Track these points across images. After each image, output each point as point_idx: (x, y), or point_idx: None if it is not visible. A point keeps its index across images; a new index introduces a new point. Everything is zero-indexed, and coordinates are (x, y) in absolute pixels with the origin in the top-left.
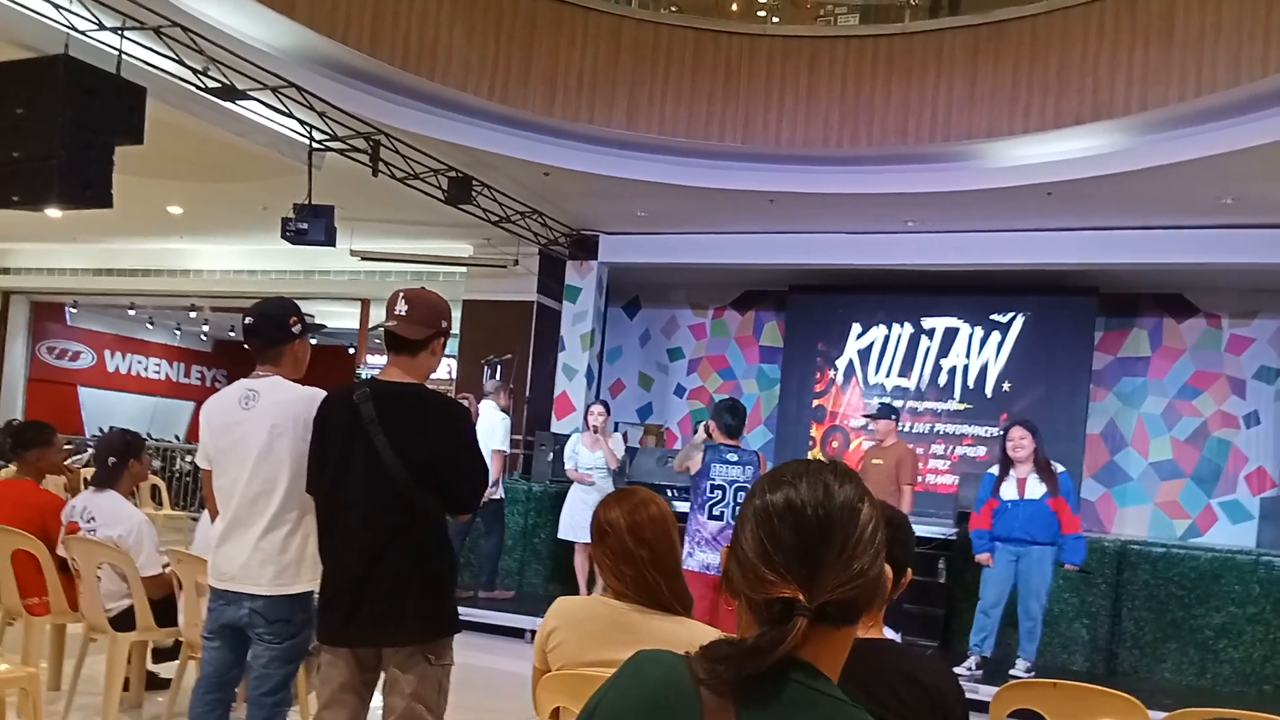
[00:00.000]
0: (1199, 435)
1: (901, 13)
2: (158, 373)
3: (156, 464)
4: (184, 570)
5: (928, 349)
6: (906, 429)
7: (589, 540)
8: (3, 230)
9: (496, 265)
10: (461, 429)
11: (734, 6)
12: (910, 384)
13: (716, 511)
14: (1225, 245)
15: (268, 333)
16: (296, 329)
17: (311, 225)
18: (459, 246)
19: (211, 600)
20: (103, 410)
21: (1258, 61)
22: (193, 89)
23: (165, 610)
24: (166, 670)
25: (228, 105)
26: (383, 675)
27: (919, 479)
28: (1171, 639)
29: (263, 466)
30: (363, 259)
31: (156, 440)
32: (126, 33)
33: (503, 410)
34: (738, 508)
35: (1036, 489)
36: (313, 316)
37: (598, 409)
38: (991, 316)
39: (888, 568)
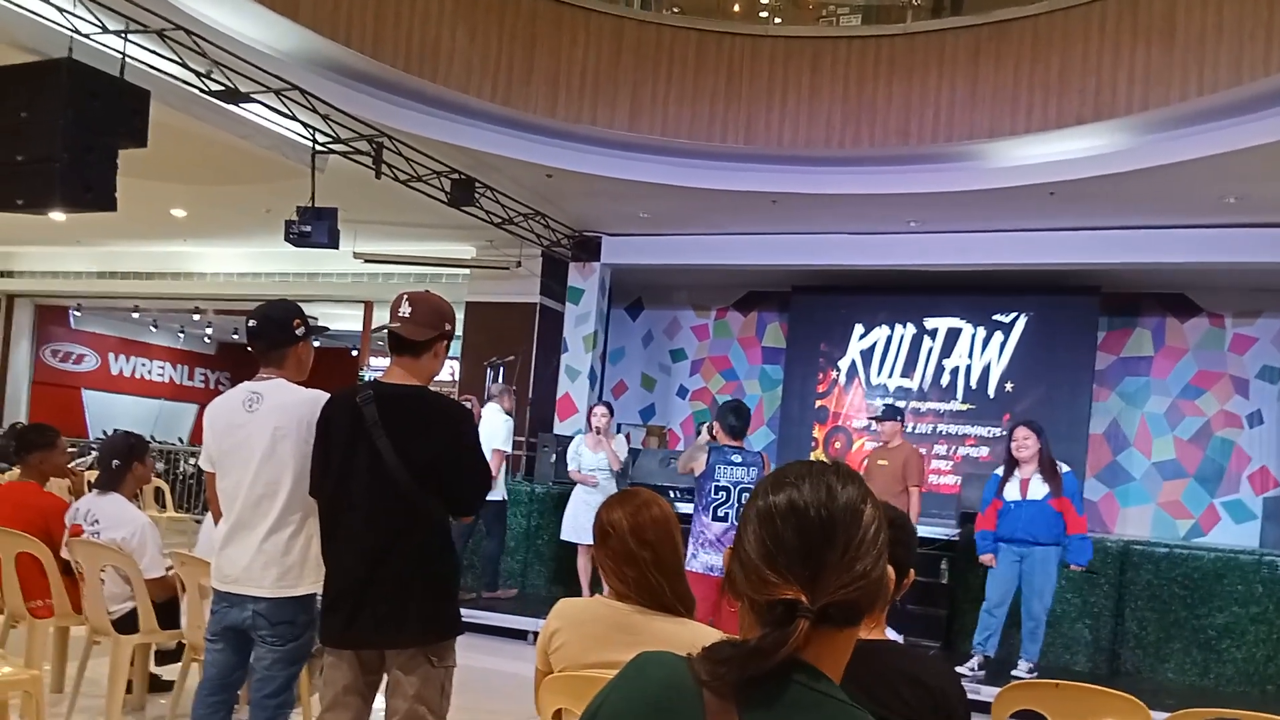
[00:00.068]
0: (1202, 435)
1: (903, 13)
2: (161, 375)
3: (160, 466)
4: (187, 572)
5: (930, 349)
6: (909, 430)
7: (592, 542)
8: (7, 233)
9: (499, 267)
10: (464, 431)
11: (736, 7)
12: (913, 384)
13: (721, 513)
14: (1228, 245)
15: (271, 335)
16: (300, 331)
17: (315, 228)
18: (462, 248)
19: (215, 602)
20: (106, 413)
21: (1259, 61)
22: (196, 92)
23: (168, 613)
24: (169, 673)
25: (231, 108)
26: (385, 677)
27: (925, 480)
28: (1174, 639)
29: (266, 469)
30: (366, 261)
31: (160, 443)
32: (130, 36)
33: (507, 414)
34: (742, 509)
35: (1039, 489)
36: (316, 319)
37: (601, 410)
38: (994, 316)
39: (890, 569)
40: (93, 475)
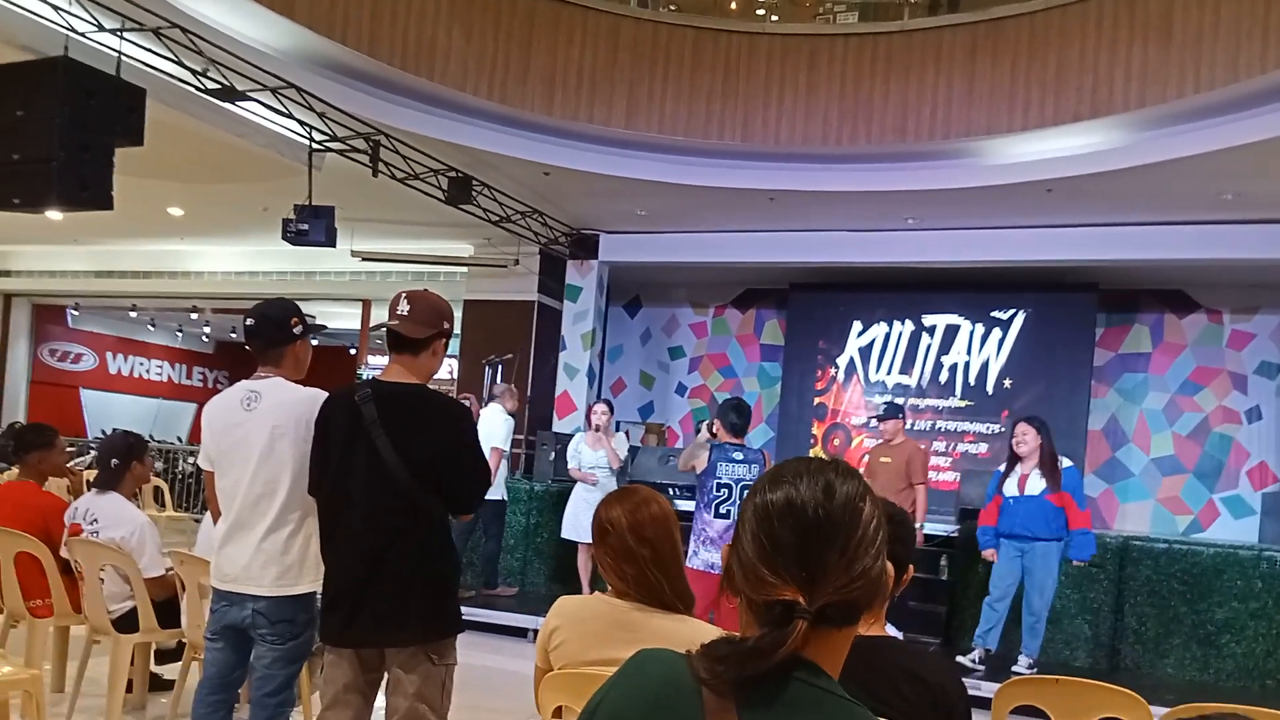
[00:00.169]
0: (1201, 431)
1: (900, 10)
2: (159, 374)
3: (159, 466)
4: (187, 571)
5: (928, 346)
6: (908, 426)
7: (591, 540)
8: (4, 233)
9: (497, 265)
10: (463, 429)
11: (733, 5)
12: (911, 381)
13: (723, 510)
14: (1226, 241)
15: (268, 334)
16: (297, 330)
17: (312, 226)
18: (459, 246)
19: (214, 601)
20: (105, 412)
21: (1256, 59)
22: (192, 90)
23: (168, 612)
24: (170, 672)
25: (227, 106)
26: (386, 675)
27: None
28: (1174, 634)
29: (264, 468)
30: (363, 259)
31: (159, 442)
32: (126, 34)
33: (510, 414)
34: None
35: (1037, 485)
36: (313, 317)
37: (601, 408)
38: (992, 313)
39: (889, 565)
40: (91, 474)
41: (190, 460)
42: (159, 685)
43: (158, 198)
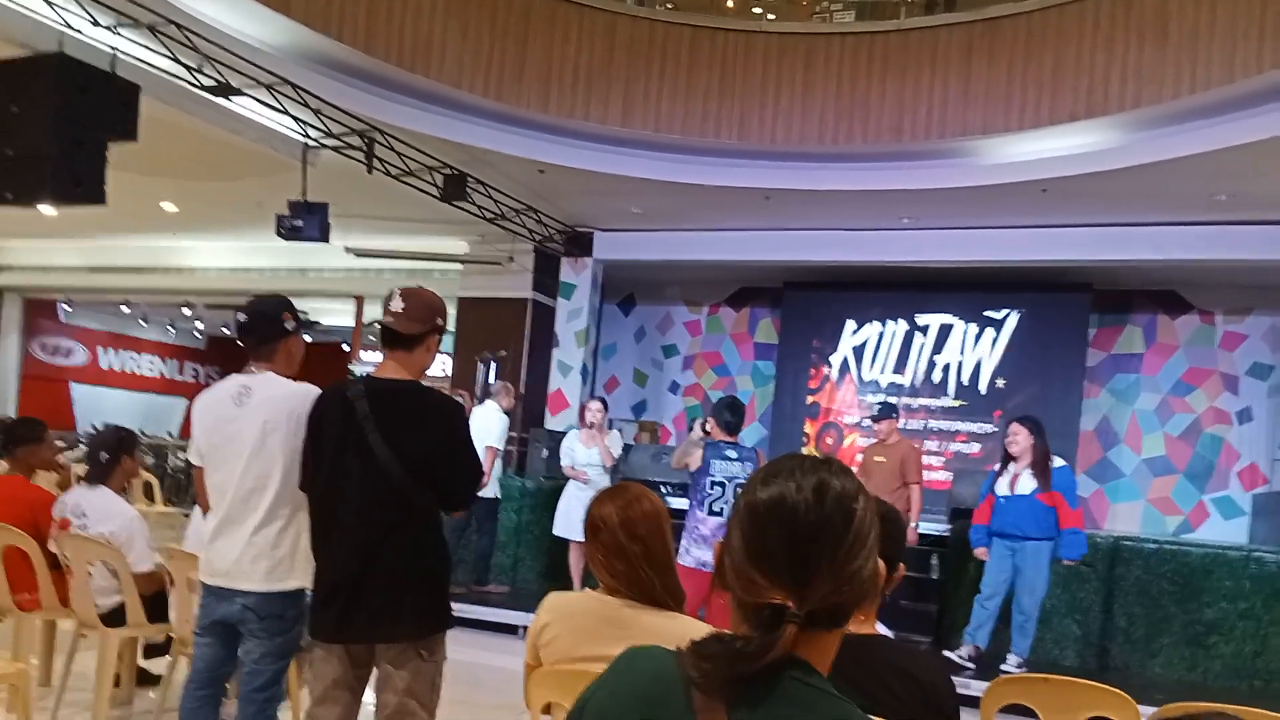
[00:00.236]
0: (1192, 431)
1: (897, 10)
2: (151, 370)
3: (149, 460)
4: (176, 566)
5: (922, 345)
6: (901, 426)
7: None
8: None
9: (491, 262)
10: (456, 425)
11: (729, 3)
12: (905, 381)
13: (716, 508)
14: (1219, 242)
15: (261, 329)
16: (290, 325)
17: (306, 222)
18: (454, 244)
19: (203, 596)
20: (96, 407)
21: (1252, 59)
22: (187, 86)
23: (157, 606)
24: (158, 666)
25: (222, 102)
26: (375, 671)
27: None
28: (1163, 634)
29: (255, 463)
30: (357, 256)
31: (149, 437)
32: (120, 30)
33: (505, 412)
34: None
35: (1028, 484)
36: (306, 313)
37: (595, 406)
38: (986, 313)
39: (881, 563)
40: (81, 469)
41: (181, 455)
42: (146, 680)
43: (151, 193)
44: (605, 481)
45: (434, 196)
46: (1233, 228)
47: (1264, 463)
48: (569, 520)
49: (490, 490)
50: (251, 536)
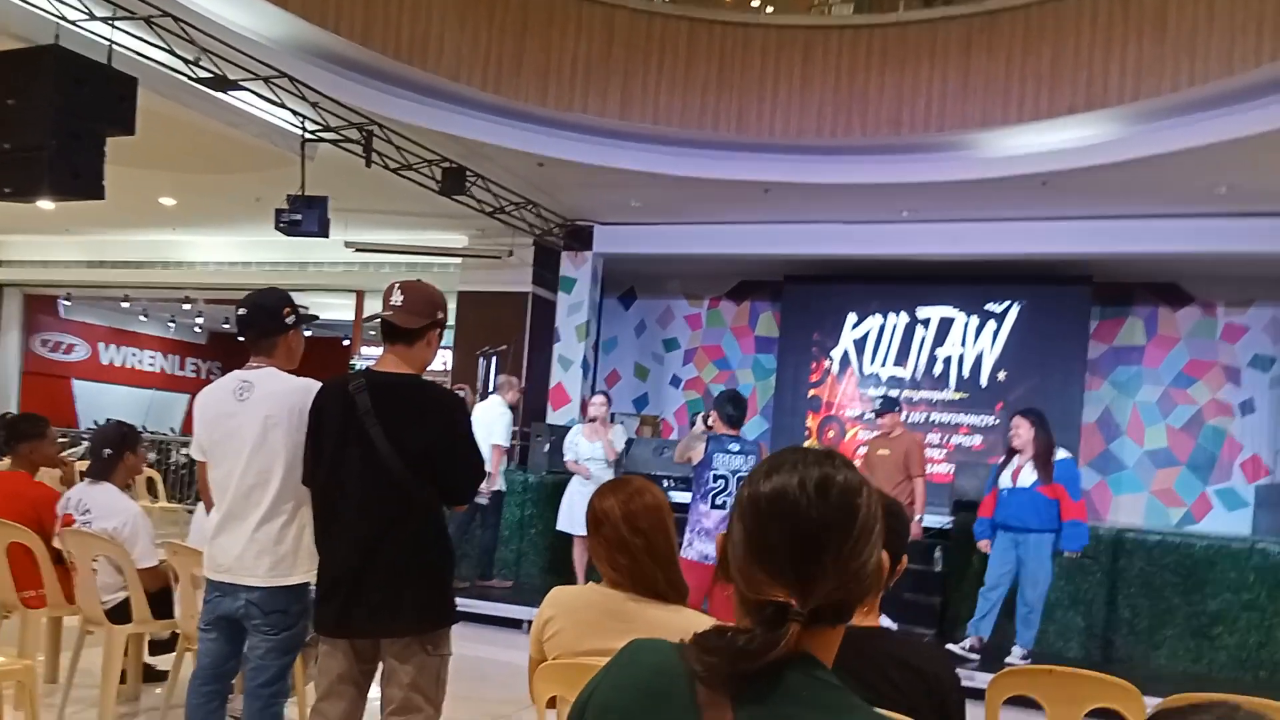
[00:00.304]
0: (1194, 423)
1: (895, 3)
2: (152, 365)
3: (152, 456)
4: (180, 562)
5: (923, 338)
6: (902, 418)
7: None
8: None
9: (491, 256)
10: (457, 420)
11: None
12: (906, 373)
13: (719, 501)
14: (1220, 234)
15: (261, 324)
16: (290, 320)
17: (305, 216)
18: (453, 238)
19: (208, 592)
20: (97, 403)
21: (1250, 52)
22: (184, 79)
23: (161, 602)
24: (163, 662)
25: (220, 96)
26: (380, 666)
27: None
28: (1167, 626)
29: (257, 458)
30: (357, 250)
31: (152, 433)
32: (117, 23)
33: (510, 407)
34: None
35: (1029, 477)
36: (306, 308)
37: (599, 400)
38: (987, 306)
39: (884, 555)
40: (84, 465)
41: (183, 451)
42: (152, 676)
43: (150, 188)
44: (608, 476)
45: (433, 190)
46: (1233, 220)
47: (1266, 454)
48: (572, 515)
49: (495, 483)
50: (254, 532)
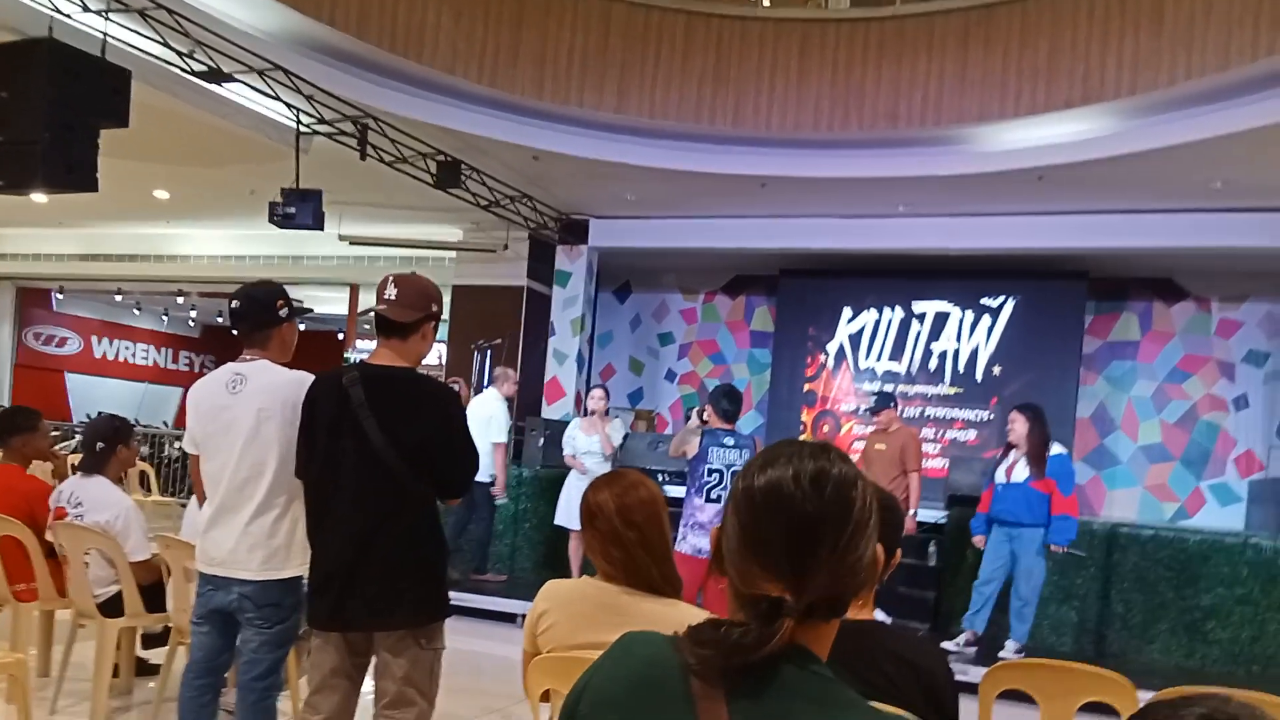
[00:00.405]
0: (1188, 418)
1: None
2: (145, 358)
3: (145, 450)
4: (172, 555)
5: (918, 333)
6: (898, 413)
7: None
8: None
9: (486, 250)
10: (452, 413)
11: None
12: (901, 368)
13: (714, 495)
14: (1215, 229)
15: (254, 316)
16: (283, 312)
17: (299, 209)
18: (448, 231)
19: (200, 585)
20: (90, 396)
21: (1247, 46)
22: (178, 72)
23: (154, 596)
24: (156, 656)
25: (213, 88)
26: (374, 659)
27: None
28: (1160, 621)
29: (250, 451)
30: (351, 244)
31: (145, 426)
32: (111, 15)
33: (506, 399)
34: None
35: (1022, 472)
36: (300, 301)
37: (598, 394)
38: (982, 300)
39: (879, 548)
40: (76, 458)
41: (176, 444)
42: (145, 670)
43: (143, 180)
44: (603, 471)
45: (428, 183)
46: (1228, 215)
47: (1260, 449)
48: (570, 510)
49: (489, 475)
50: (247, 525)
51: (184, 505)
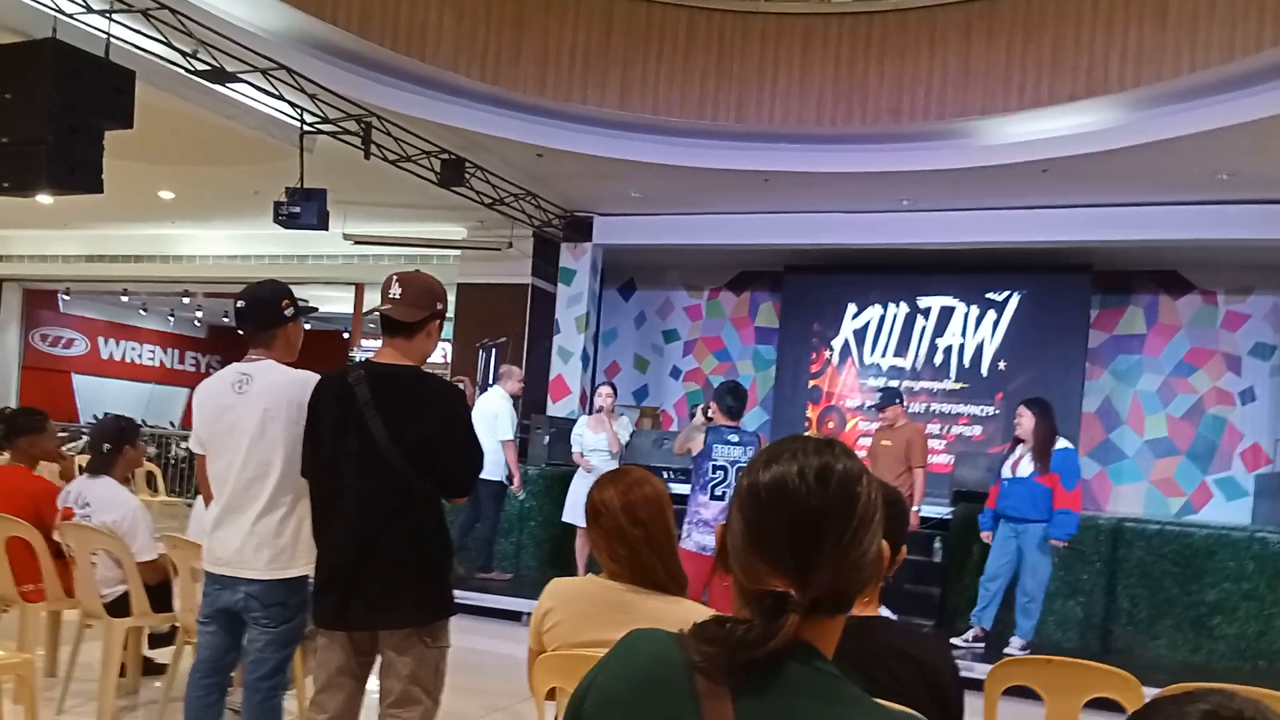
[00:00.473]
0: (1194, 412)
1: None
2: (152, 359)
3: (152, 450)
4: (179, 555)
5: (923, 328)
6: (904, 409)
7: None
8: None
9: (490, 248)
10: (457, 412)
11: None
12: (906, 363)
13: (719, 492)
14: (1221, 221)
15: (260, 316)
16: (289, 312)
17: (304, 209)
18: (452, 229)
19: (207, 585)
20: (97, 397)
21: (1251, 38)
22: (182, 72)
23: (161, 596)
24: (163, 656)
25: (217, 88)
26: (379, 658)
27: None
28: (1166, 616)
29: (256, 450)
30: (355, 243)
31: (151, 427)
32: (115, 15)
33: (512, 397)
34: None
35: (1027, 467)
36: (305, 300)
37: (605, 391)
38: (987, 295)
39: (884, 544)
40: (84, 459)
41: (183, 445)
42: (152, 669)
43: (148, 181)
44: (609, 468)
45: (432, 182)
46: (1234, 207)
47: (1267, 443)
48: (577, 507)
49: (496, 473)
50: (253, 525)
51: (190, 505)
